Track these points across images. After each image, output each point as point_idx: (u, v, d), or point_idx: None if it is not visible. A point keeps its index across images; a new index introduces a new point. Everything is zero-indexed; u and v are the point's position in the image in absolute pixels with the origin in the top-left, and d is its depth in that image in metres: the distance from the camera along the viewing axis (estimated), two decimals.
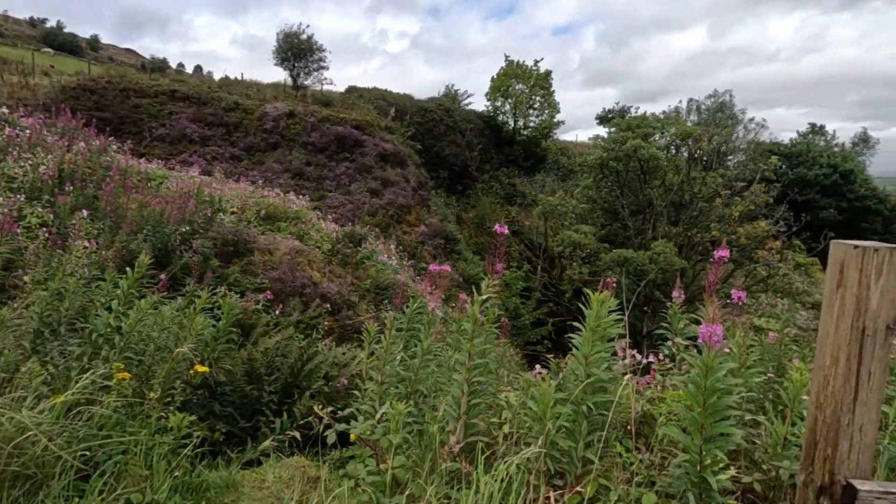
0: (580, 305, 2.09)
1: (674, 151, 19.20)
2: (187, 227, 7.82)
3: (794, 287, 22.59)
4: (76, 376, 2.44)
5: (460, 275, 17.48)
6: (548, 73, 32.33)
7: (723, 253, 1.99)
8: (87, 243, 5.33)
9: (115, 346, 2.56)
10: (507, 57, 32.67)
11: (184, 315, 3.34)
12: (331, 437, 2.44)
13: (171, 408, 2.38)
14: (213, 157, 17.77)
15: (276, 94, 23.78)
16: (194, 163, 15.84)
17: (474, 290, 2.22)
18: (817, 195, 34.12)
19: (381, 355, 2.38)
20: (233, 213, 10.74)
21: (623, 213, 18.62)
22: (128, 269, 3.15)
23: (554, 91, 32.03)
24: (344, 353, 4.19)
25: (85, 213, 6.53)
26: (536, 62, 32.26)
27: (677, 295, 3.03)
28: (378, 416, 2.08)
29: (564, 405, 1.94)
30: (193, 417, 2.32)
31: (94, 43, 74.19)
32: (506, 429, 2.11)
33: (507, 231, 2.78)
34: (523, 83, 32.08)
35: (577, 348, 2.04)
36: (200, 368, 2.71)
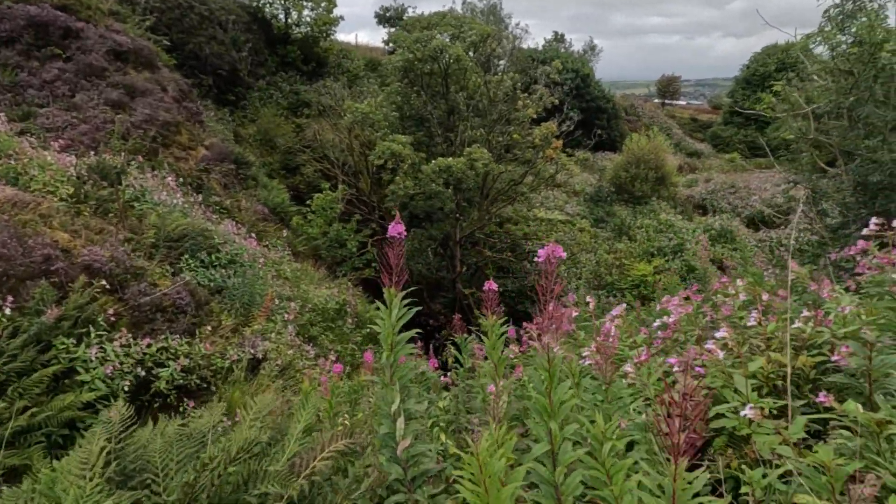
0: None
1: (471, 53, 18.77)
2: None
3: (569, 181, 26.10)
4: None
5: (263, 205, 14.54)
6: None
7: None
8: None
9: None
10: None
11: None
12: None
13: None
14: None
15: None
16: None
17: None
18: (565, 97, 39.39)
19: None
20: None
21: (432, 120, 17.77)
22: None
23: None
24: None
25: None
26: None
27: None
28: None
29: None
30: None
31: None
32: None
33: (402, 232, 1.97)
34: None
35: None
36: None
